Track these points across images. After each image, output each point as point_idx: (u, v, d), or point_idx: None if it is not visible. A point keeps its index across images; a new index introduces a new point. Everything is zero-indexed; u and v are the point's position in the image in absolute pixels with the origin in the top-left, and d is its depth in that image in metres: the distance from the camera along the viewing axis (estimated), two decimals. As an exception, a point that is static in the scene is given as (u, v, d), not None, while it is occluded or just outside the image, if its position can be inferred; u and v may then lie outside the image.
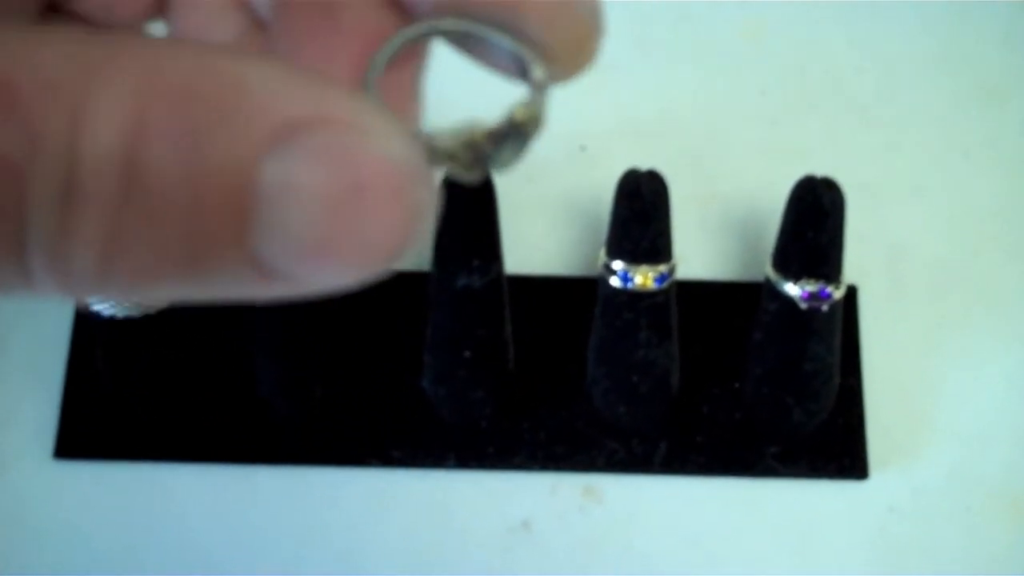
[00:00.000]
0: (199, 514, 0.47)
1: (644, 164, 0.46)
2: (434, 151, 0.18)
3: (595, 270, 0.50)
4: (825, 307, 0.45)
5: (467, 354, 0.45)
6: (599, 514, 0.48)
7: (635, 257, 0.44)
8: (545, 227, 0.52)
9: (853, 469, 0.48)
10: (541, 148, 0.51)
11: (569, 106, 0.54)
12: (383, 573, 0.47)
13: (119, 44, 0.14)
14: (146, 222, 0.14)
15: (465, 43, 0.21)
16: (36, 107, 0.14)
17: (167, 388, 0.47)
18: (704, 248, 0.52)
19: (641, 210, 0.43)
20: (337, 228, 0.15)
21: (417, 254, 0.19)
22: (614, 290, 0.45)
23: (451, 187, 0.43)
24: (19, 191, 0.14)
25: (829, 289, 0.44)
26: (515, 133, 0.20)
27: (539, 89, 0.20)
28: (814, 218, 0.43)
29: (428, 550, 0.47)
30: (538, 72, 0.21)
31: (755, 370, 0.47)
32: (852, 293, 0.51)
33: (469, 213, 0.43)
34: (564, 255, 0.51)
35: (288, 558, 0.47)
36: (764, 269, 0.46)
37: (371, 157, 0.15)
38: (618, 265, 0.44)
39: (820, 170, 0.45)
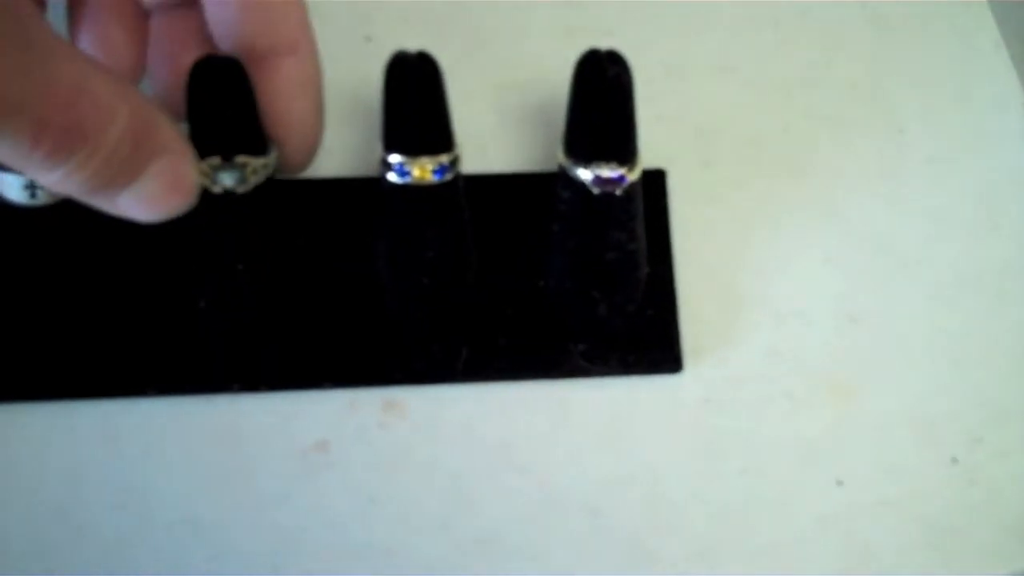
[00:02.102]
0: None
1: (433, 54, 0.42)
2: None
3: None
4: (620, 191, 0.42)
5: (239, 266, 0.41)
6: (402, 429, 0.45)
7: (412, 149, 0.41)
8: (328, 126, 0.48)
9: (666, 362, 0.46)
10: (322, 39, 0.48)
11: (352, -3, 0.50)
12: (167, 513, 0.43)
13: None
14: (108, 166, 0.33)
15: None
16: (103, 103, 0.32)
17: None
18: (500, 139, 0.48)
19: (412, 95, 0.40)
20: (163, 196, 0.35)
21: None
22: (392, 186, 0.41)
23: (200, 76, 0.39)
24: (83, 133, 0.32)
25: (622, 171, 0.41)
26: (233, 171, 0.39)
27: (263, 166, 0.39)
28: (599, 96, 0.40)
29: (218, 482, 0.44)
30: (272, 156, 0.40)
31: (557, 264, 0.44)
32: (660, 177, 0.48)
33: (226, 101, 0.39)
34: (348, 156, 0.48)
35: (60, 504, 0.43)
36: (557, 156, 0.43)
37: (187, 173, 0.36)
38: (394, 158, 0.41)
39: (623, 49, 0.42)
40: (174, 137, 0.35)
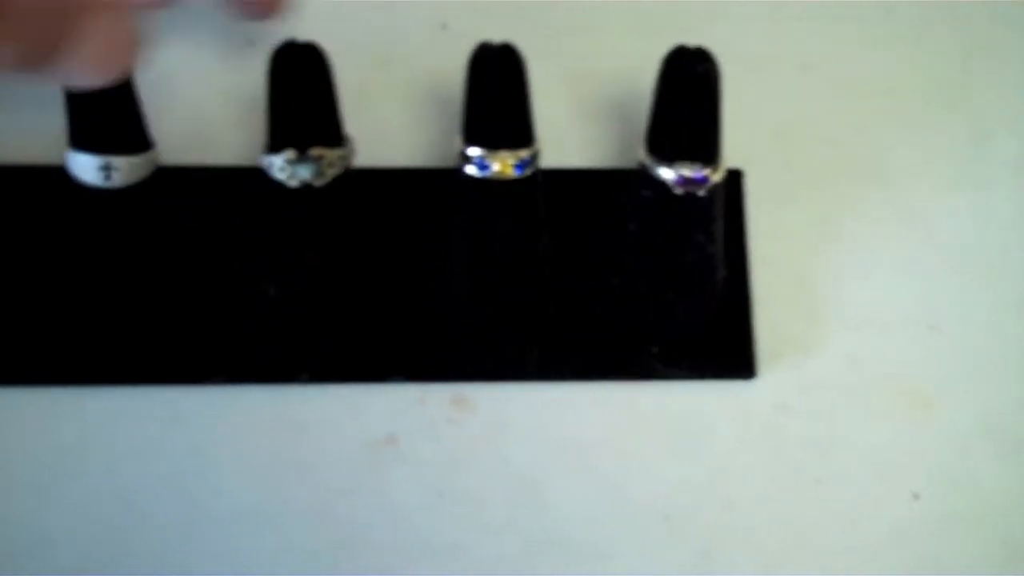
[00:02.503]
0: (23, 441, 0.43)
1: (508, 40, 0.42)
2: None
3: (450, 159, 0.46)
4: (702, 192, 0.41)
5: (313, 258, 0.41)
6: (471, 425, 0.44)
7: (493, 142, 0.40)
8: (402, 115, 0.47)
9: (739, 368, 0.45)
10: (396, 26, 0.47)
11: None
12: (233, 500, 0.43)
13: None
14: (26, 33, 0.30)
15: None
16: None
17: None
18: (575, 133, 0.47)
19: (495, 89, 0.39)
20: (104, 56, 0.33)
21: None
22: (470, 179, 0.41)
23: (278, 67, 0.38)
24: None
25: (706, 172, 0.41)
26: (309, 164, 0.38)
27: None
28: (686, 93, 0.40)
29: (286, 472, 0.43)
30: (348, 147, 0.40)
31: (632, 264, 0.44)
32: (737, 178, 0.47)
33: (305, 90, 0.39)
34: (426, 146, 0.47)
35: (122, 487, 0.43)
36: (638, 153, 0.42)
37: (126, 30, 0.34)
38: (474, 151, 0.40)
39: (699, 44, 0.41)
40: None
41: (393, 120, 0.47)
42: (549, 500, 0.44)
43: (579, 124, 0.47)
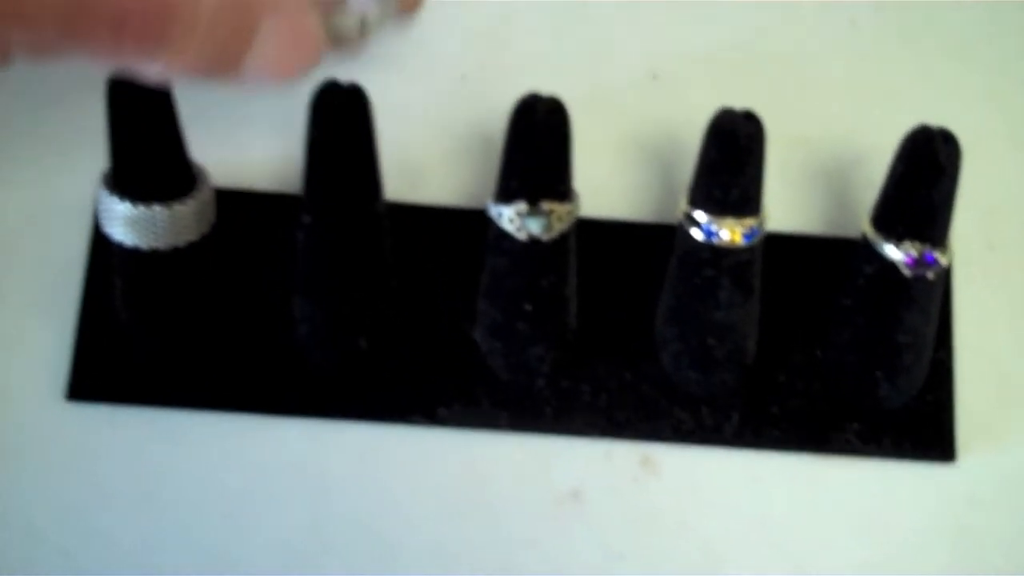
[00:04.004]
0: (220, 466, 0.43)
1: (721, 98, 0.41)
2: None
3: (667, 215, 0.45)
4: (931, 274, 0.40)
5: (528, 307, 0.40)
6: (655, 487, 0.44)
7: (722, 208, 0.39)
8: (610, 164, 0.47)
9: (939, 451, 0.44)
10: (607, 75, 0.46)
11: (639, 29, 0.49)
12: (416, 541, 0.42)
13: None
14: (210, 43, 0.30)
15: None
16: None
17: (192, 329, 0.42)
18: (785, 196, 0.46)
19: (734, 157, 0.38)
20: (285, 56, 0.33)
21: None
22: (695, 243, 0.40)
23: (521, 116, 0.38)
24: (172, 21, 0.28)
25: (936, 254, 0.40)
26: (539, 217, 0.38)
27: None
28: (928, 175, 0.39)
29: (469, 517, 0.43)
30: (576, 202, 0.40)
31: (841, 337, 0.43)
32: (946, 256, 0.46)
33: (540, 143, 0.38)
34: (630, 196, 0.46)
35: (312, 519, 0.42)
36: (858, 225, 0.41)
37: (310, 28, 0.34)
38: (701, 216, 0.39)
39: (911, 113, 0.40)
40: None
41: (600, 169, 0.46)
42: (729, 570, 0.43)
43: (783, 189, 0.47)
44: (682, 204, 0.40)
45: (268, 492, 0.43)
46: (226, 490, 0.43)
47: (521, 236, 0.39)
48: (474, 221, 0.43)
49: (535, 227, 0.39)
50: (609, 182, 0.46)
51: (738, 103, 0.41)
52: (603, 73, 0.48)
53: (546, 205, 0.39)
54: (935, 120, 0.41)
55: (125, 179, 0.38)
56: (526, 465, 0.44)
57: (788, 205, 0.46)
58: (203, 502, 0.43)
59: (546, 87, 0.40)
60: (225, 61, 0.32)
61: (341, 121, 0.38)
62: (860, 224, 0.42)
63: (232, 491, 0.43)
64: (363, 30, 0.37)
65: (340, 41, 0.38)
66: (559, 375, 0.43)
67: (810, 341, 0.44)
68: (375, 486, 0.43)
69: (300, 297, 0.41)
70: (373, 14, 0.37)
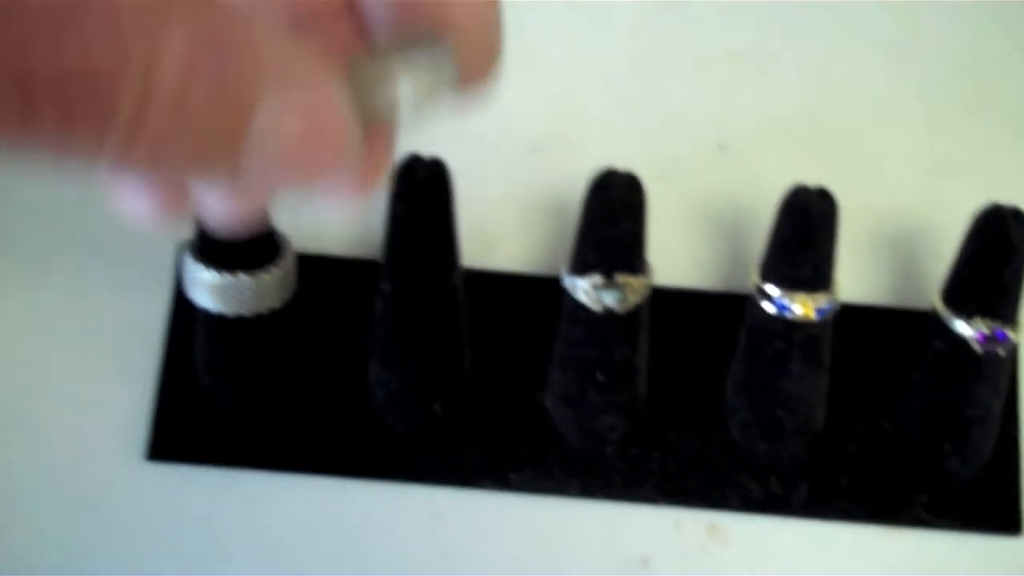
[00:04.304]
0: (295, 527, 0.43)
1: (788, 168, 0.42)
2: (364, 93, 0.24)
3: (732, 283, 0.45)
4: (1001, 351, 0.40)
5: (600, 377, 0.41)
6: (723, 556, 0.44)
7: (794, 283, 0.40)
8: (677, 232, 0.47)
9: (1006, 523, 0.44)
10: (675, 144, 0.47)
11: (707, 99, 0.50)
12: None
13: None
14: (183, 129, 0.21)
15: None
16: (131, 35, 0.19)
17: (270, 393, 0.43)
18: (853, 267, 0.47)
19: (807, 233, 0.39)
20: (299, 149, 0.22)
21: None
22: (766, 316, 0.40)
23: (599, 191, 0.39)
24: (114, 89, 0.19)
25: (1007, 331, 0.40)
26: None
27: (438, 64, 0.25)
28: (1000, 254, 0.39)
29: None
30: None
31: (910, 410, 0.43)
32: (1013, 329, 0.46)
33: (617, 219, 0.39)
34: (697, 264, 0.47)
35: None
36: (925, 296, 0.42)
37: (332, 110, 0.23)
38: (773, 290, 0.40)
39: (978, 186, 0.41)
40: (297, 58, 0.22)
41: (666, 237, 0.47)
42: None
43: (853, 258, 0.47)
44: (754, 277, 0.41)
45: (341, 553, 0.43)
46: (300, 550, 0.43)
47: (596, 308, 0.39)
48: (546, 289, 0.44)
49: (610, 300, 0.39)
50: (675, 250, 0.47)
51: (804, 173, 0.41)
52: (670, 143, 0.49)
53: (621, 278, 0.39)
54: (1003, 192, 0.41)
55: (211, 247, 0.39)
56: (595, 532, 0.44)
57: (855, 275, 0.47)
58: (277, 561, 0.43)
59: (614, 156, 0.41)
60: (213, 151, 0.22)
61: (424, 196, 0.39)
62: (927, 296, 0.43)
63: (306, 551, 0.43)
64: (412, 106, 0.25)
65: (380, 121, 0.25)
66: (629, 443, 0.43)
67: (878, 412, 0.44)
68: (447, 548, 0.44)
69: (377, 362, 0.42)
70: (422, 86, 0.25)
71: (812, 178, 0.41)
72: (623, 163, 0.41)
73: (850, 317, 0.45)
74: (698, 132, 0.49)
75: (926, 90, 0.50)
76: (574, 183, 0.41)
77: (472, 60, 0.26)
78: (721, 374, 0.44)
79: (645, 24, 0.51)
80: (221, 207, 0.26)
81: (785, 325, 0.40)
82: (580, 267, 0.40)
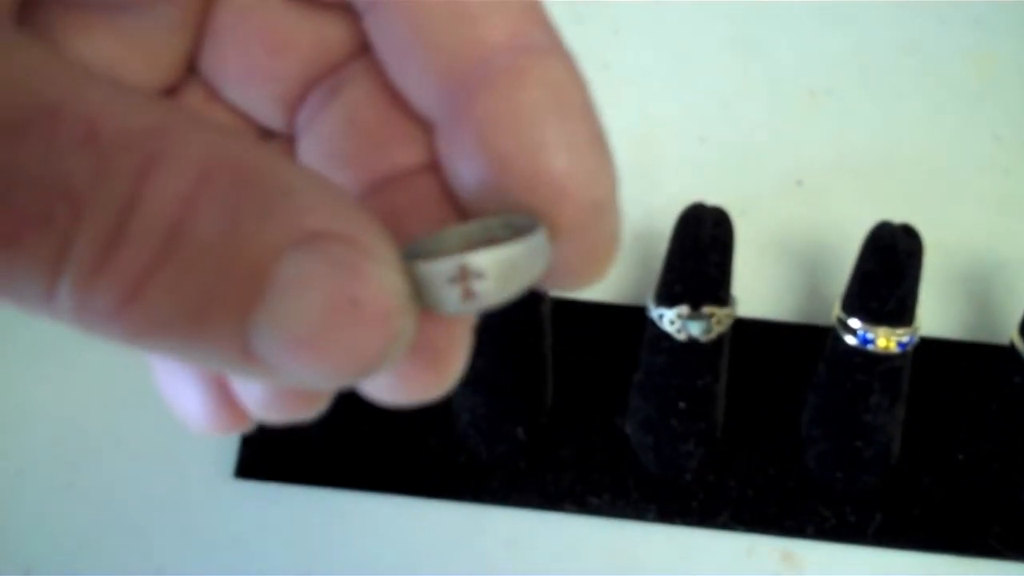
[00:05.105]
0: (379, 546, 0.44)
1: (862, 204, 0.43)
2: (422, 284, 0.18)
3: (811, 316, 0.46)
4: (1082, 387, 0.41)
5: (682, 405, 0.42)
6: (797, 581, 0.45)
7: (877, 317, 0.41)
8: (756, 265, 0.48)
9: (1079, 556, 0.44)
10: (754, 179, 0.48)
11: (786, 137, 0.51)
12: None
13: (193, 119, 0.16)
14: (169, 281, 0.16)
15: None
16: (113, 149, 0.15)
17: (355, 415, 0.44)
18: (930, 301, 0.48)
19: (892, 268, 0.40)
20: (326, 329, 0.16)
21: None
22: (848, 348, 0.41)
23: (688, 225, 0.40)
24: (75, 214, 0.15)
25: (1088, 368, 0.41)
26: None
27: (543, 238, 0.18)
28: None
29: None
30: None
31: (985, 442, 0.44)
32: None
33: (705, 252, 0.40)
34: (774, 296, 0.48)
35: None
36: (1000, 330, 0.43)
37: (372, 279, 0.16)
38: (856, 324, 0.41)
39: None
40: (327, 201, 0.17)
41: (747, 269, 0.48)
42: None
43: (930, 294, 0.48)
44: (836, 310, 0.42)
45: (423, 572, 0.44)
46: (382, 569, 0.44)
47: (681, 337, 0.40)
48: (628, 318, 0.45)
49: (696, 330, 0.40)
50: (753, 282, 0.48)
51: (880, 210, 0.42)
52: (750, 179, 0.50)
53: (707, 309, 0.40)
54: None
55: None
56: (670, 556, 0.45)
57: (932, 310, 0.48)
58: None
59: (695, 191, 0.42)
60: (213, 316, 0.16)
61: None
62: (1004, 331, 0.43)
63: (388, 570, 0.44)
64: (471, 298, 0.18)
65: (432, 310, 0.18)
66: (706, 470, 0.44)
67: (953, 444, 0.45)
68: (526, 569, 0.44)
69: (462, 387, 0.43)
70: (493, 269, 0.17)
71: (887, 214, 0.42)
72: (704, 198, 0.42)
73: (927, 350, 0.46)
74: (777, 169, 0.50)
75: (999, 131, 0.51)
76: (652, 215, 0.42)
77: (575, 257, 0.19)
78: (797, 404, 0.44)
79: (725, 62, 0.52)
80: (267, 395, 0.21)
81: (866, 358, 0.41)
82: (667, 298, 0.41)
